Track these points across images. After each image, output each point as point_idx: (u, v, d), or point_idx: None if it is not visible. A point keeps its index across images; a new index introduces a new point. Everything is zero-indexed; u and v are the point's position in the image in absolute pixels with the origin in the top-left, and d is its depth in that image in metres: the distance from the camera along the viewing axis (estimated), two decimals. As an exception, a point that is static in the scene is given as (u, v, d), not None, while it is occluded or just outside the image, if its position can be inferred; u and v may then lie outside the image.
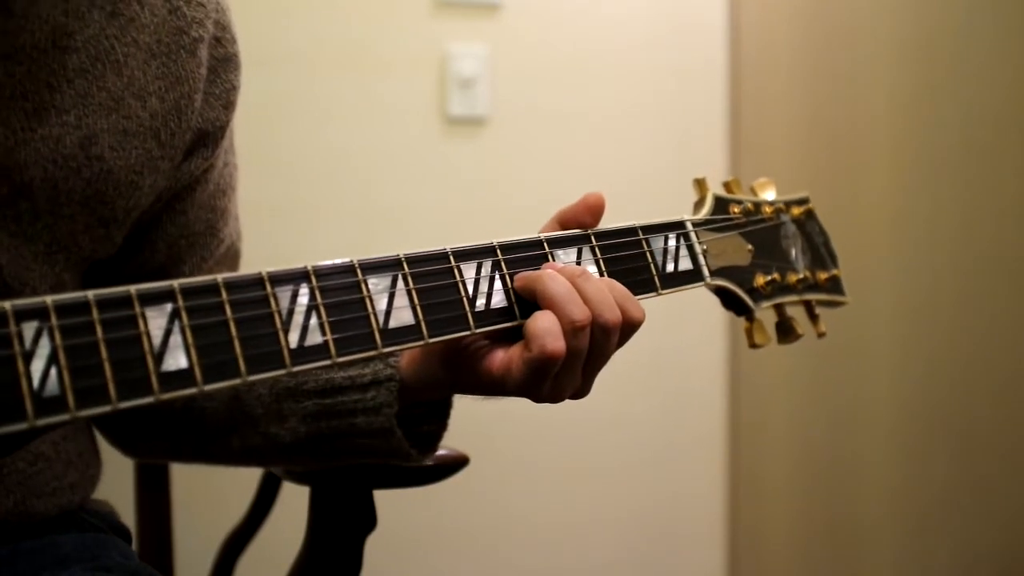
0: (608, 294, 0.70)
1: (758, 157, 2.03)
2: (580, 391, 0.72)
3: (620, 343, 0.72)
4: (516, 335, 0.70)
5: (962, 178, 2.13)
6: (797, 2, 2.08)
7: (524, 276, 0.70)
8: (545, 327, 0.67)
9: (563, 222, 0.76)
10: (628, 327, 0.71)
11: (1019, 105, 2.12)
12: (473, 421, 0.85)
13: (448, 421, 0.81)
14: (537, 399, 0.71)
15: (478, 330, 0.68)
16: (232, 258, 0.93)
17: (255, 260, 0.89)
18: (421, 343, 0.65)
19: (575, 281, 0.69)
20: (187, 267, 0.87)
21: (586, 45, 1.91)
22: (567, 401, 0.79)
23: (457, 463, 0.92)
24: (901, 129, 2.10)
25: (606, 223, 0.77)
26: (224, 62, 0.85)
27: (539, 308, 0.69)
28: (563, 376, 0.69)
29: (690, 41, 2.00)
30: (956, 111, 2.12)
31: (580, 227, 0.75)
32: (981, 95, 2.12)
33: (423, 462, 0.82)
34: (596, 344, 0.70)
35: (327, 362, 0.61)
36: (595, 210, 0.75)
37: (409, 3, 1.79)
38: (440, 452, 0.90)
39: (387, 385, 0.77)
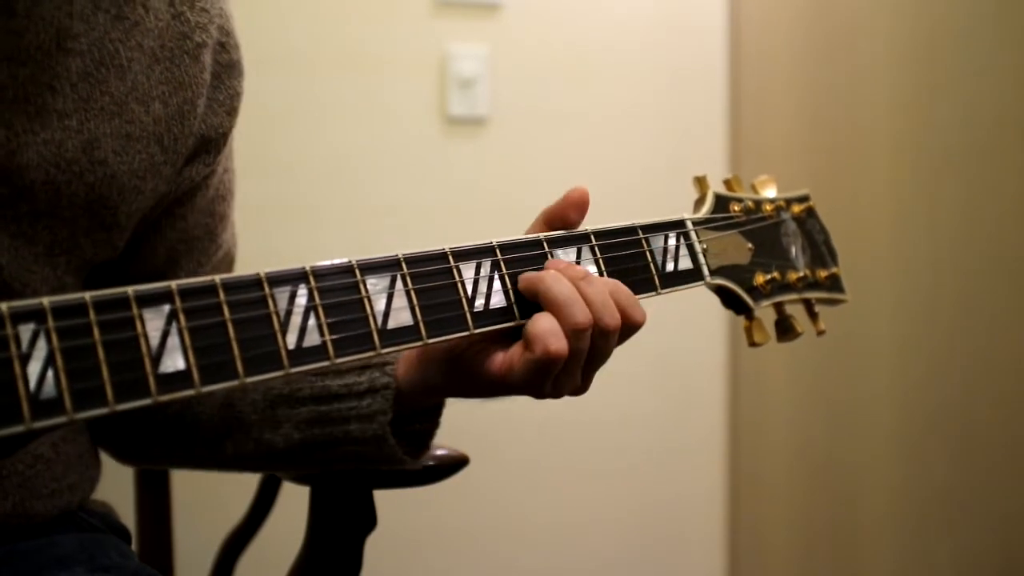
0: (609, 298, 0.70)
1: (758, 157, 2.02)
2: (580, 388, 0.73)
3: (619, 342, 0.72)
4: (515, 335, 0.70)
5: (962, 178, 2.12)
6: (797, 2, 2.08)
7: (527, 277, 0.70)
8: (547, 328, 0.67)
9: (548, 220, 0.75)
10: (628, 329, 0.72)
11: (1019, 105, 2.12)
12: (473, 421, 0.85)
13: (439, 420, 0.81)
14: (538, 397, 0.71)
15: (477, 331, 0.68)
16: (228, 264, 0.93)
17: (254, 260, 0.89)
18: (420, 344, 0.65)
19: (578, 284, 0.69)
20: (183, 272, 0.87)
21: (586, 45, 1.91)
22: (568, 401, 0.80)
23: (457, 463, 0.91)
24: (901, 129, 2.10)
25: (606, 222, 0.77)
26: (228, 68, 0.84)
27: (540, 309, 0.69)
28: (563, 376, 0.70)
29: (690, 41, 2.00)
30: (956, 111, 2.11)
31: (565, 224, 0.74)
32: (981, 95, 2.12)
33: (416, 466, 0.82)
34: (596, 346, 0.70)
35: (326, 363, 0.60)
36: (579, 205, 0.74)
37: (409, 3, 1.79)
38: (440, 452, 0.90)
39: (383, 393, 0.77)
